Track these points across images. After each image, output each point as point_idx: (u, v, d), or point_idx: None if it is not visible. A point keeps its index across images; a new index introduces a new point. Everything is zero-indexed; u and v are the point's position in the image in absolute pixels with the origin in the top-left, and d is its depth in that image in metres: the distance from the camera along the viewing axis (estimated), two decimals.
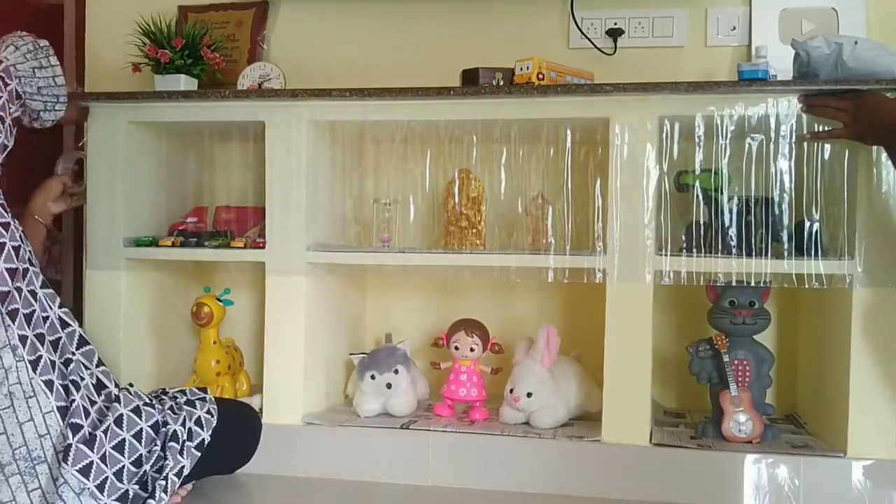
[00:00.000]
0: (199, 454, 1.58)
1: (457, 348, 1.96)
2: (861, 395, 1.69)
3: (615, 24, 2.12)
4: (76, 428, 1.40)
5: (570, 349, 1.99)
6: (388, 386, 1.90)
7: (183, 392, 1.69)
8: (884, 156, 1.65)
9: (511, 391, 1.87)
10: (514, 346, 1.93)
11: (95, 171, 1.95)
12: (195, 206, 2.17)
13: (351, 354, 2.00)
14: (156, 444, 1.50)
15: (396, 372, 1.92)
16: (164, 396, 1.65)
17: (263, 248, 1.91)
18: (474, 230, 1.98)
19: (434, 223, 2.09)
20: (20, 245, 1.50)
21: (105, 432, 1.42)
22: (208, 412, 1.64)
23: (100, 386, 1.50)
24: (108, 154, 1.94)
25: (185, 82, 1.99)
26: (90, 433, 1.42)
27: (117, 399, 1.50)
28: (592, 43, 2.13)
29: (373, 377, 1.91)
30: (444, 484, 1.81)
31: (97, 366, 1.53)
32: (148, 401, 1.56)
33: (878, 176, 1.68)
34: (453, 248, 1.97)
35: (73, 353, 1.50)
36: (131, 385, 1.65)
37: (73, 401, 1.42)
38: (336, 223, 2.03)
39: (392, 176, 2.13)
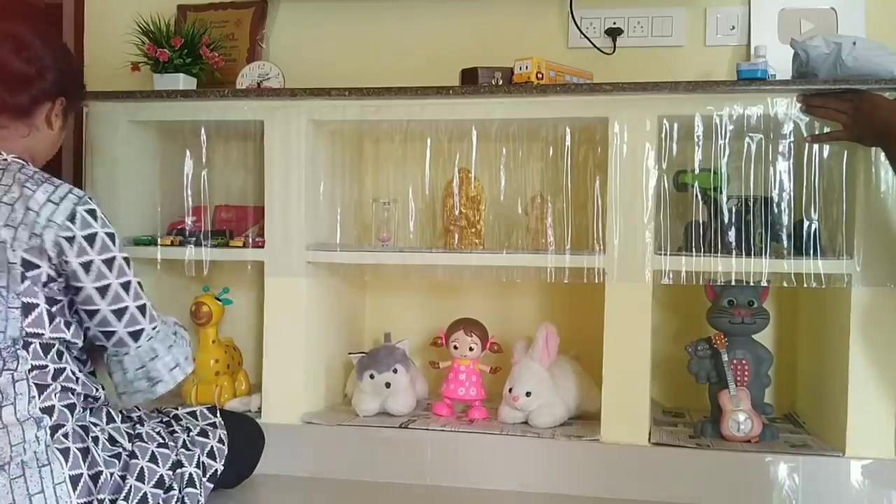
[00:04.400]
0: (212, 486, 1.56)
1: (456, 347, 1.96)
2: (860, 394, 1.69)
3: (614, 23, 2.12)
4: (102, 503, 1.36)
5: (569, 348, 1.99)
6: (387, 385, 1.90)
7: (194, 416, 1.63)
8: (882, 156, 1.66)
9: (510, 390, 1.87)
10: (512, 346, 1.94)
11: (95, 171, 1.95)
12: (194, 206, 2.17)
13: (350, 354, 2.00)
14: (173, 488, 1.47)
15: (395, 371, 1.92)
16: (175, 426, 1.58)
17: (262, 247, 1.91)
18: (473, 230, 1.98)
19: (433, 223, 2.09)
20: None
21: (127, 498, 1.38)
22: (220, 440, 1.61)
23: (112, 441, 1.43)
24: (107, 153, 1.94)
25: (183, 81, 2.00)
26: (112, 500, 1.37)
27: (133, 455, 1.43)
28: (591, 42, 2.13)
29: (372, 376, 1.91)
30: (443, 483, 1.81)
31: (108, 423, 1.45)
32: (162, 440, 1.50)
33: (876, 176, 1.69)
34: (452, 247, 1.97)
35: (90, 415, 1.44)
36: (139, 408, 1.57)
37: (100, 472, 1.36)
38: (335, 223, 2.03)
39: (391, 175, 2.13)
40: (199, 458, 1.54)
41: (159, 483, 1.44)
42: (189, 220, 2.02)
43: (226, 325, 2.12)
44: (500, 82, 1.84)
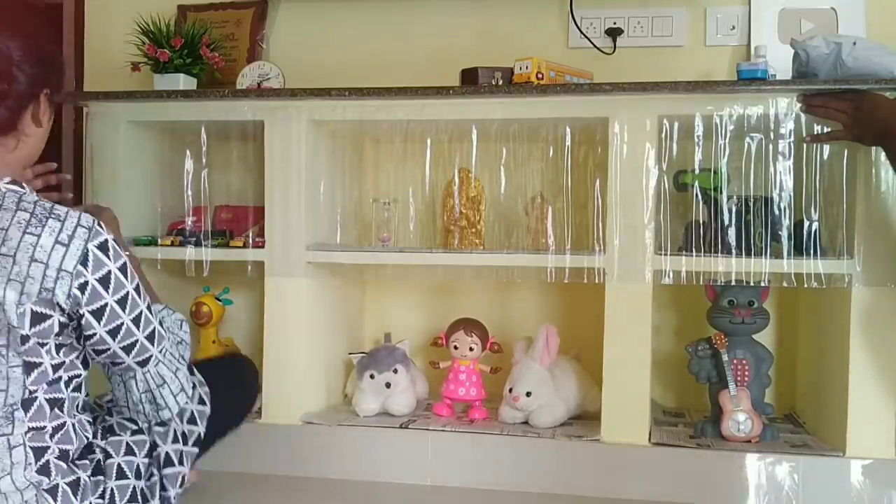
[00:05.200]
0: (197, 449, 1.50)
1: (456, 348, 1.96)
2: (860, 394, 1.69)
3: (614, 23, 2.12)
4: None
5: (569, 348, 1.99)
6: (388, 385, 1.90)
7: None
8: (882, 155, 1.66)
9: (510, 390, 1.87)
10: (513, 346, 1.94)
11: (95, 171, 1.95)
12: (194, 206, 2.17)
13: (350, 354, 2.00)
14: (153, 475, 1.42)
15: (396, 371, 1.92)
16: None
17: (262, 247, 1.91)
18: (473, 230, 1.98)
19: (433, 223, 2.09)
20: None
21: (103, 496, 1.33)
22: (200, 401, 1.51)
23: (89, 449, 1.36)
24: (108, 153, 1.94)
25: (184, 82, 2.00)
26: None
27: (107, 454, 1.36)
28: (592, 42, 2.13)
29: (372, 376, 1.91)
30: (444, 483, 1.81)
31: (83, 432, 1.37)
32: (135, 426, 1.42)
33: (876, 175, 1.69)
34: (452, 247, 1.97)
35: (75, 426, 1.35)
36: (110, 402, 1.47)
37: (79, 478, 1.29)
38: (335, 223, 2.03)
39: (391, 175, 2.13)
40: (175, 432, 1.46)
41: (137, 474, 1.38)
42: (189, 220, 2.02)
43: (226, 325, 2.12)
44: (500, 82, 1.84)
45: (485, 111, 1.81)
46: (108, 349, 1.29)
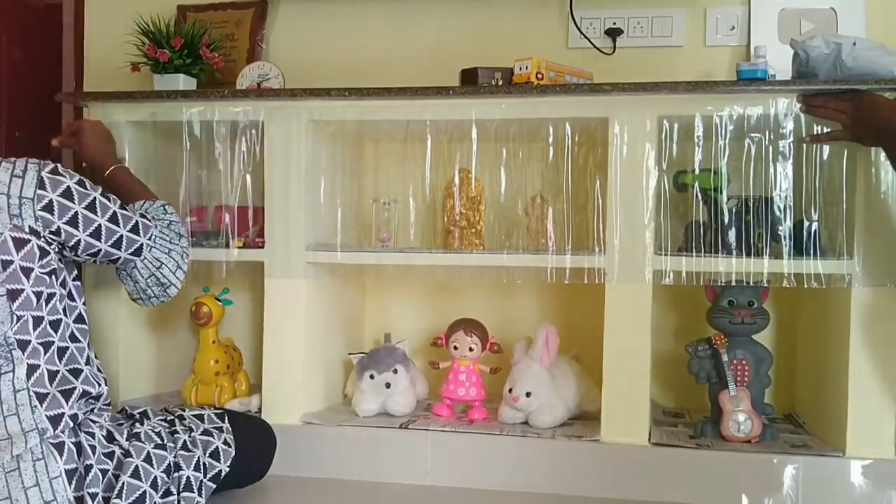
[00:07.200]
0: (214, 486, 1.54)
1: (456, 348, 1.96)
2: (860, 394, 1.69)
3: (614, 23, 2.12)
4: (93, 497, 1.35)
5: (569, 349, 1.99)
6: (387, 385, 1.91)
7: (200, 419, 1.62)
8: (882, 156, 1.66)
9: (510, 391, 1.87)
10: (512, 346, 1.93)
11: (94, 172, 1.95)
12: (194, 206, 2.16)
13: (350, 354, 2.00)
14: (171, 493, 1.45)
15: (395, 371, 1.92)
16: (178, 427, 1.56)
17: (262, 247, 1.91)
18: (473, 230, 1.97)
19: (433, 223, 2.09)
20: (60, 319, 1.42)
21: (120, 494, 1.37)
22: (226, 443, 1.59)
23: (109, 438, 1.42)
24: None
25: (183, 82, 2.00)
26: (105, 498, 1.37)
27: (128, 453, 1.42)
28: (591, 43, 2.13)
29: (372, 377, 1.91)
30: (443, 483, 1.81)
31: (106, 421, 1.45)
32: (160, 441, 1.48)
33: (876, 176, 1.69)
34: (452, 248, 1.97)
35: (90, 411, 1.43)
36: (145, 415, 1.56)
37: (90, 466, 1.35)
38: (335, 223, 2.03)
39: (391, 176, 2.13)
40: (198, 460, 1.52)
41: (153, 484, 1.43)
42: (189, 220, 2.02)
43: (226, 325, 2.12)
44: (500, 82, 1.84)
45: (485, 111, 1.81)
46: (99, 249, 1.45)
